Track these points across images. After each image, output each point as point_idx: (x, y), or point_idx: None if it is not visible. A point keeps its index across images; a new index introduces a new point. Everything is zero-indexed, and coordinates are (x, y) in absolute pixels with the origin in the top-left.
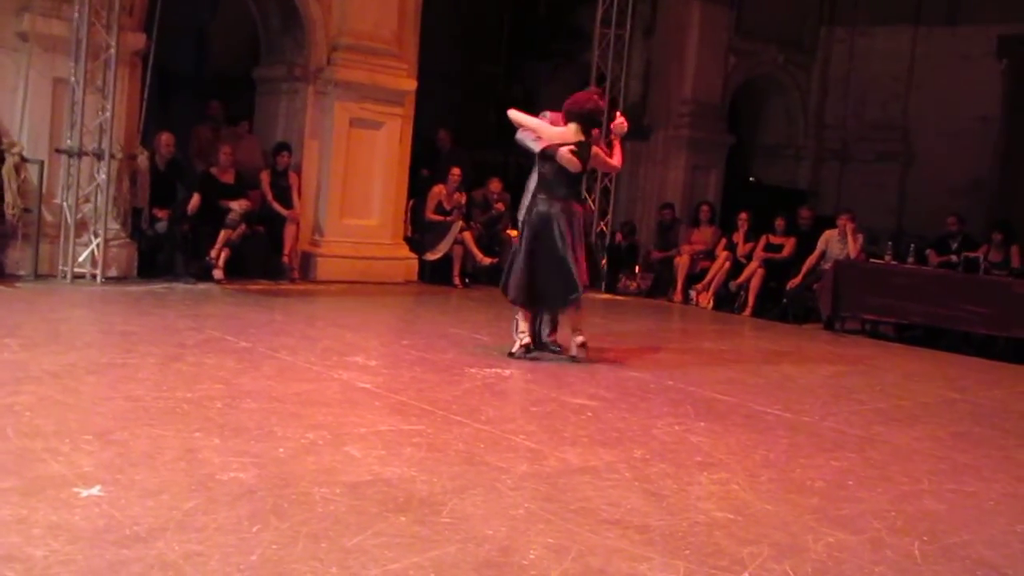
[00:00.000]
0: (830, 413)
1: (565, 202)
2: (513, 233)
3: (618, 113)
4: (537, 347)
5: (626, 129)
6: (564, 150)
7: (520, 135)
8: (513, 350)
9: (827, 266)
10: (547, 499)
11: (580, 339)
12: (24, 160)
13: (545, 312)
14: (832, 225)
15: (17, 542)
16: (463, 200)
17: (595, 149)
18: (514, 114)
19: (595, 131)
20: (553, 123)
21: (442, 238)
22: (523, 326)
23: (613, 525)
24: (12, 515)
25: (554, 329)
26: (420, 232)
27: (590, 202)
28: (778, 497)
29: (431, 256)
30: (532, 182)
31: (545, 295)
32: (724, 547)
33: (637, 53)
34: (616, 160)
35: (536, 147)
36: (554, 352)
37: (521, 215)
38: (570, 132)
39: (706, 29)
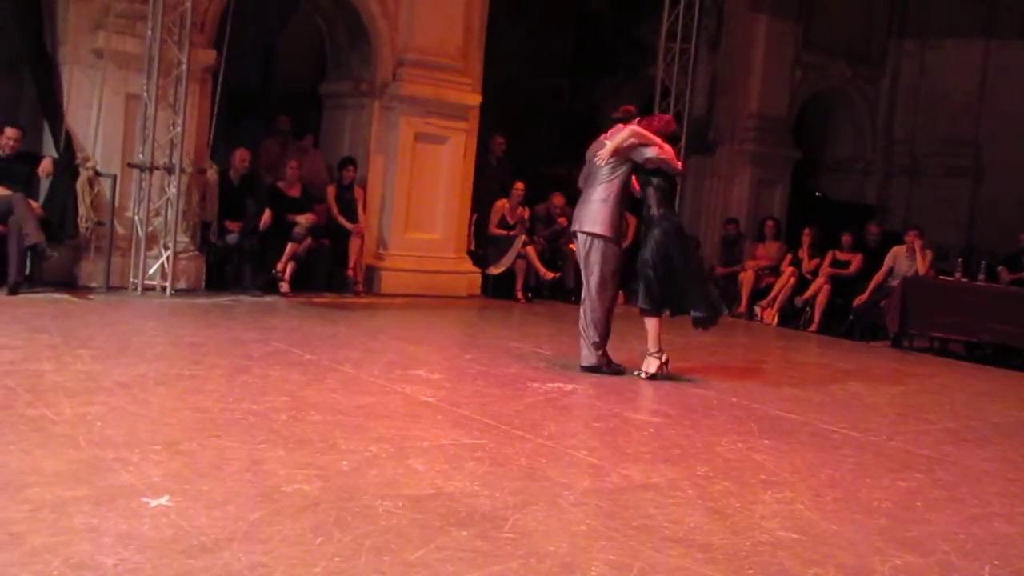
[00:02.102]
0: (898, 432)
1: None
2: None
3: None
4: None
5: None
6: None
7: (650, 152)
8: (652, 370)
9: (895, 283)
10: (609, 515)
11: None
12: (97, 174)
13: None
14: (900, 241)
15: (88, 550)
16: (526, 215)
17: None
18: (639, 130)
19: None
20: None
21: (505, 252)
22: (655, 344)
23: (676, 543)
24: (84, 523)
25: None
26: (483, 246)
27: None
28: (844, 517)
29: (494, 270)
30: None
31: (679, 301)
32: (788, 567)
33: (702, 67)
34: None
35: (676, 166)
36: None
37: (603, 228)
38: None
39: (772, 43)
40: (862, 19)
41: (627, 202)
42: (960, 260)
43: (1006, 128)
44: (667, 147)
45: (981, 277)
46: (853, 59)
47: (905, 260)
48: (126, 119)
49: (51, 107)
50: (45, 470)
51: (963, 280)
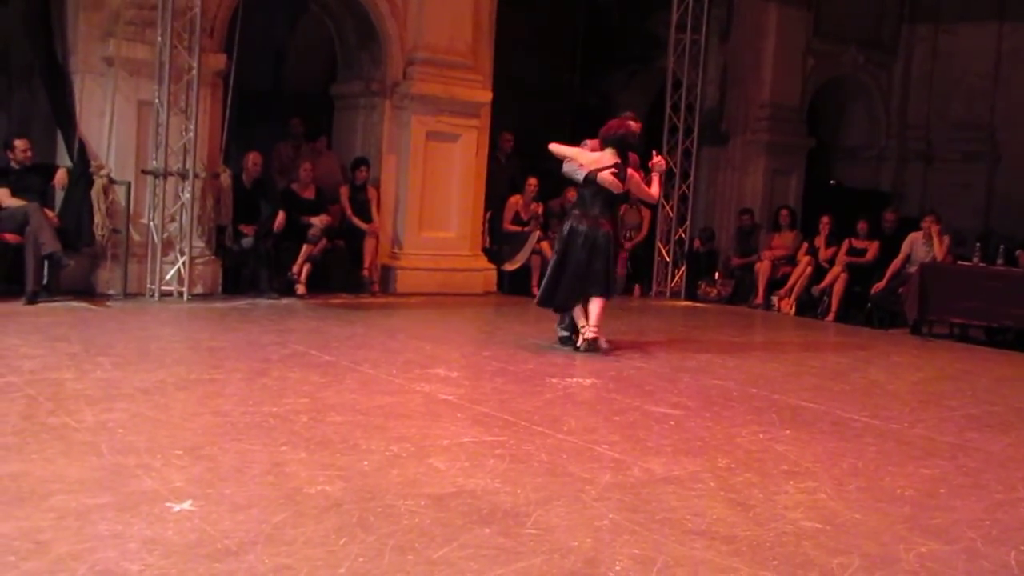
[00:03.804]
0: (919, 420)
1: (595, 220)
2: None
3: (655, 152)
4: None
5: (665, 168)
6: (605, 173)
7: (565, 167)
8: (579, 344)
9: (912, 269)
10: (632, 509)
11: (591, 333)
12: (112, 182)
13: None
14: (917, 228)
15: (114, 556)
16: (540, 210)
17: (631, 171)
18: (555, 147)
19: (633, 157)
20: (593, 150)
21: (520, 248)
22: (581, 320)
23: (699, 535)
24: (108, 530)
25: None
26: (498, 243)
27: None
28: (867, 506)
29: (509, 267)
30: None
31: (567, 299)
32: (813, 557)
33: (713, 58)
34: (655, 190)
35: (580, 174)
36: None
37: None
38: (606, 156)
39: (783, 32)
40: (873, 5)
41: (581, 204)
42: (978, 245)
43: (1021, 111)
44: (586, 155)
45: (1000, 262)
46: (865, 45)
47: (922, 246)
48: (139, 126)
49: (64, 116)
50: (68, 478)
51: (982, 265)
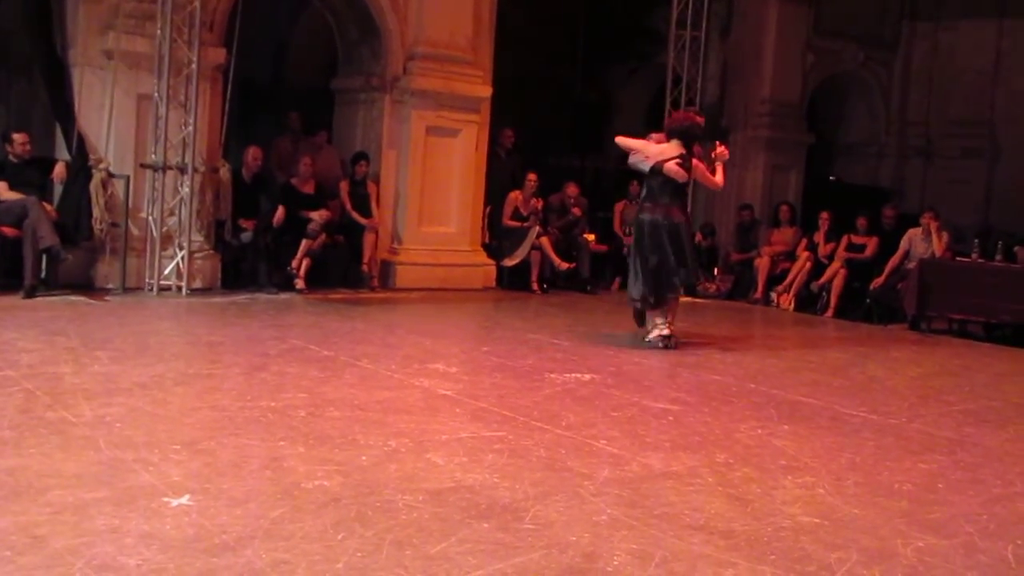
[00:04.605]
0: (918, 415)
1: (666, 208)
2: (591, 237)
3: (718, 143)
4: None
5: (727, 156)
6: (670, 163)
7: (631, 159)
8: (650, 337)
9: (911, 265)
10: (630, 505)
11: (667, 330)
12: (111, 176)
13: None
14: (916, 224)
15: (111, 551)
16: (540, 205)
17: (695, 162)
18: (622, 140)
19: (697, 148)
20: (658, 143)
21: (519, 244)
22: (659, 319)
23: (697, 530)
24: (106, 525)
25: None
26: (498, 238)
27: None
28: (865, 501)
29: (509, 262)
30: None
31: (659, 293)
32: (811, 552)
33: (713, 54)
34: (719, 179)
35: (646, 166)
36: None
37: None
38: (672, 147)
39: (784, 28)
40: (874, 1)
41: (650, 196)
42: (977, 241)
43: (1020, 108)
44: (652, 147)
45: (999, 258)
46: (865, 42)
47: (921, 242)
48: (138, 120)
49: (63, 110)
50: (66, 472)
51: (980, 261)
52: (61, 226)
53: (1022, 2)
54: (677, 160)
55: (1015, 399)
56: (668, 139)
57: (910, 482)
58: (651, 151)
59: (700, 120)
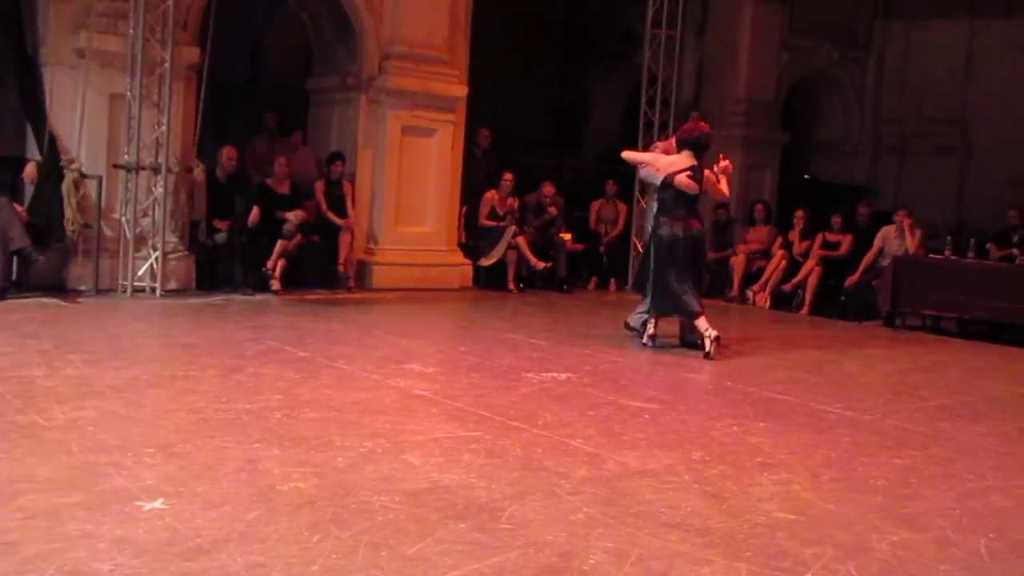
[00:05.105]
0: (892, 411)
1: (685, 221)
2: (567, 236)
3: (721, 156)
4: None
5: (732, 169)
6: (681, 176)
7: (641, 172)
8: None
9: (885, 262)
10: (607, 503)
11: (713, 333)
12: (83, 176)
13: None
14: (890, 221)
15: (83, 556)
16: (516, 205)
17: (707, 172)
18: (629, 155)
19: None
20: (666, 152)
21: (496, 243)
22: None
23: (674, 528)
24: (78, 530)
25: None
26: (474, 238)
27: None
28: (841, 497)
29: (485, 262)
30: (652, 207)
31: (680, 305)
32: (787, 548)
33: (689, 53)
34: (725, 189)
35: (658, 179)
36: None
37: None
38: (683, 158)
39: (758, 27)
40: (847, 1)
41: (664, 210)
42: (950, 238)
43: (992, 106)
44: (662, 159)
45: (971, 254)
46: (839, 41)
47: (895, 240)
48: (110, 119)
49: (33, 109)
50: (38, 477)
51: (953, 258)
52: (32, 227)
53: (993, 1)
54: (688, 172)
55: (988, 394)
56: (678, 150)
57: (884, 477)
58: (661, 163)
59: (706, 126)
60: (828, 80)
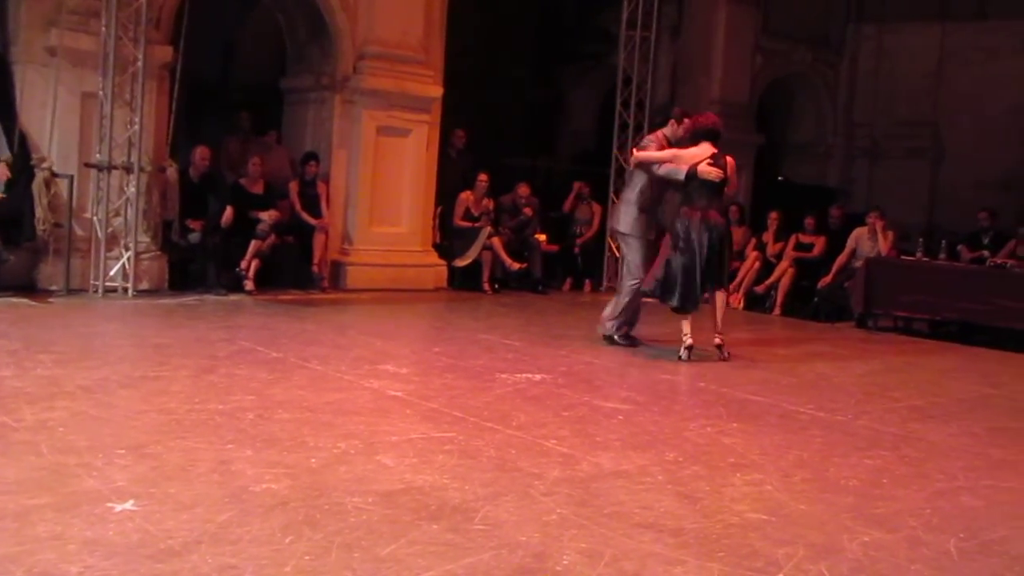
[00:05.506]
0: (864, 411)
1: (704, 212)
2: (542, 237)
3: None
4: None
5: (734, 164)
6: (703, 165)
7: (662, 170)
8: (680, 354)
9: (858, 264)
10: (580, 504)
11: (719, 339)
12: (54, 175)
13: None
14: (863, 223)
15: (52, 559)
16: (491, 206)
17: (728, 158)
18: (645, 155)
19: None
20: (659, 145)
21: (471, 244)
22: (686, 328)
23: (647, 529)
24: (47, 531)
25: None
26: (449, 239)
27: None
28: (813, 497)
29: (460, 262)
30: (632, 194)
31: (697, 296)
32: (759, 548)
33: (664, 55)
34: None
35: (682, 173)
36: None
37: (625, 227)
38: (703, 149)
39: (733, 29)
40: (821, 4)
41: (687, 201)
42: (921, 240)
43: (963, 109)
44: (683, 153)
45: (942, 256)
46: (813, 44)
47: (867, 241)
48: (82, 118)
49: (4, 108)
50: (6, 479)
51: (925, 260)
52: (3, 227)
53: (964, 5)
54: (709, 160)
55: (959, 395)
56: (695, 142)
57: (856, 478)
58: (684, 157)
59: (716, 116)
60: (802, 82)
